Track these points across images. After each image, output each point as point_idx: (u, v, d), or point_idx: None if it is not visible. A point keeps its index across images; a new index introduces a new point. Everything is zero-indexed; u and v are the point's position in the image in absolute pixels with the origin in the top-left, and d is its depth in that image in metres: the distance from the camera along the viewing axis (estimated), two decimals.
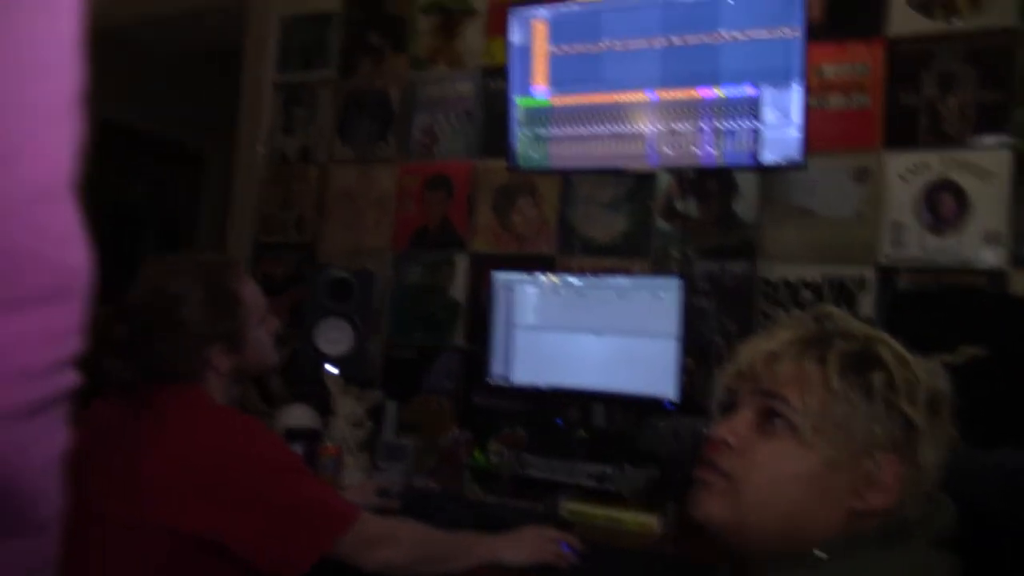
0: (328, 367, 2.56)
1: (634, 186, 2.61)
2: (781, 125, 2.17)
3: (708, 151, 2.26)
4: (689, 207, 2.52)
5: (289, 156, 3.26)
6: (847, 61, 2.37)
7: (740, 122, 2.21)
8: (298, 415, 2.40)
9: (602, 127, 2.38)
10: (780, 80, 2.16)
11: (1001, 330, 1.86)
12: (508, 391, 2.46)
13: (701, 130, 2.26)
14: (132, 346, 1.54)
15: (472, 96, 2.92)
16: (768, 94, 2.18)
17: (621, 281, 2.32)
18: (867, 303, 2.29)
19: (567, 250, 2.70)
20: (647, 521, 2.02)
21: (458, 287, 2.86)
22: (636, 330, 2.25)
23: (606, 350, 2.29)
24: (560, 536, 1.78)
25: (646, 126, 2.33)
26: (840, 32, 2.38)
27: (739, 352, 1.07)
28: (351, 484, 2.24)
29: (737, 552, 1.01)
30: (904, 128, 2.30)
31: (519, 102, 2.48)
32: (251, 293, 1.70)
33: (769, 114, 2.18)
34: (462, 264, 2.87)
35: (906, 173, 2.28)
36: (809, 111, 2.18)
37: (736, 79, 2.21)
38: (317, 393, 2.49)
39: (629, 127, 2.35)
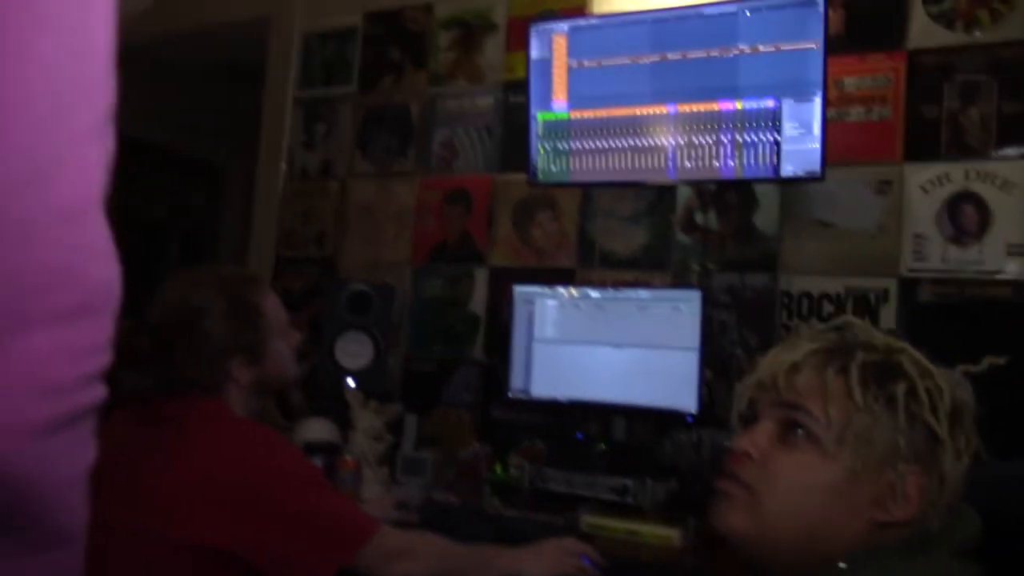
0: (348, 380, 2.57)
1: (654, 199, 2.61)
2: (801, 138, 2.16)
3: (728, 164, 2.26)
4: (709, 220, 2.51)
5: (310, 171, 3.27)
6: (868, 73, 2.36)
7: (760, 135, 2.21)
8: (317, 429, 2.40)
9: (622, 140, 2.38)
10: (800, 93, 2.16)
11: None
12: (528, 404, 2.46)
13: (721, 143, 2.26)
14: (154, 358, 1.55)
15: (492, 110, 2.92)
16: (788, 107, 2.17)
17: (641, 294, 2.31)
18: (889, 315, 2.27)
19: (587, 263, 2.69)
20: (667, 534, 2.01)
21: (478, 301, 2.87)
22: (656, 343, 2.24)
23: (626, 363, 2.28)
24: (581, 549, 1.77)
25: (666, 139, 2.33)
26: (861, 45, 2.37)
27: (760, 363, 1.06)
28: (370, 498, 2.24)
29: (758, 564, 1.01)
30: (925, 140, 2.29)
31: (539, 116, 2.49)
32: (272, 306, 1.71)
33: (789, 127, 2.17)
34: (481, 278, 2.87)
35: (927, 185, 2.27)
36: (830, 123, 2.17)
37: (756, 92, 2.21)
38: (336, 407, 2.49)
39: (649, 140, 2.35)
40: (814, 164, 2.15)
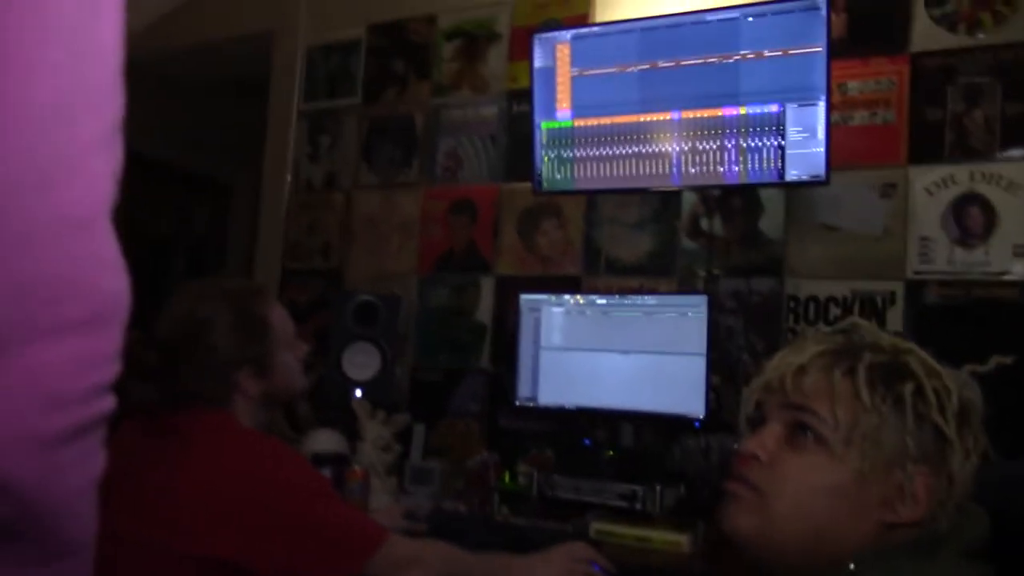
0: (355, 391, 2.57)
1: (659, 206, 2.61)
2: (806, 142, 2.16)
3: (733, 169, 2.26)
4: (714, 225, 2.51)
5: (315, 183, 3.28)
6: (871, 77, 2.37)
7: (764, 140, 2.21)
8: (325, 440, 2.40)
9: (626, 148, 2.38)
10: (804, 97, 2.16)
11: None
12: (535, 412, 2.46)
13: (725, 148, 2.26)
14: (161, 371, 1.55)
15: (496, 120, 2.93)
16: (792, 111, 2.18)
17: (647, 300, 2.31)
18: (896, 318, 2.27)
19: (592, 271, 2.69)
20: (677, 540, 2.01)
21: (484, 310, 2.87)
22: (663, 349, 2.24)
23: (633, 369, 2.28)
24: (590, 556, 1.77)
25: (670, 146, 2.33)
26: (864, 48, 2.38)
27: (767, 366, 1.06)
28: (379, 508, 2.24)
29: (766, 566, 1.00)
30: (930, 142, 2.29)
31: (543, 125, 2.49)
32: (279, 318, 1.72)
33: (793, 131, 2.17)
34: (487, 287, 2.87)
35: (932, 187, 2.27)
36: (834, 127, 2.17)
37: (760, 97, 2.21)
38: (344, 418, 2.49)
39: (653, 147, 2.35)
40: (819, 168, 2.15)
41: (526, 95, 2.59)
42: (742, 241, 2.48)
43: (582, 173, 2.45)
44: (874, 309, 2.29)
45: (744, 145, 2.23)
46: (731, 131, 2.24)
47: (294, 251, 3.29)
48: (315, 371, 2.45)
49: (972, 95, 2.25)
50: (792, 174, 2.18)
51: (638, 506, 2.13)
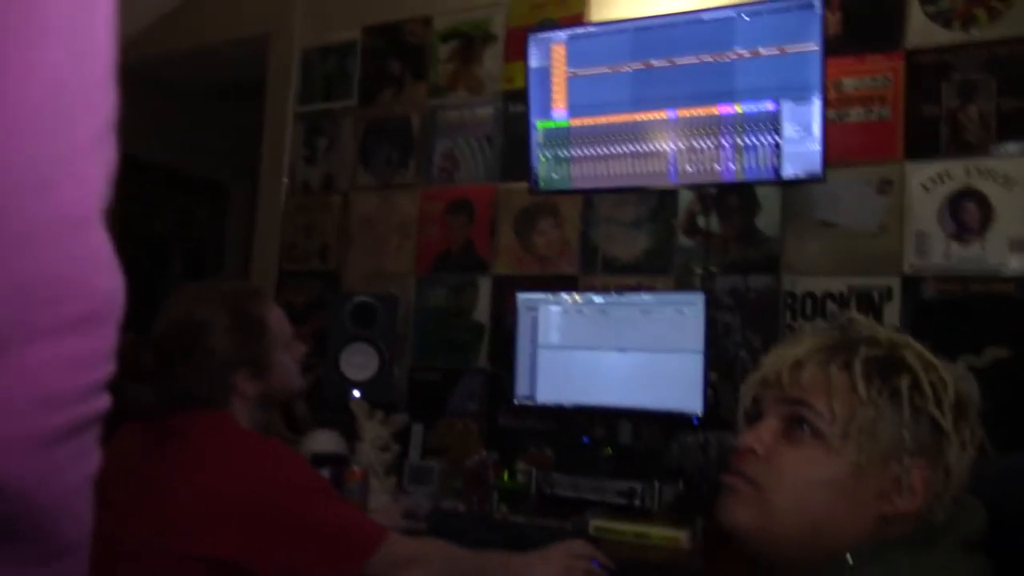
0: (353, 392, 2.57)
1: (656, 204, 2.61)
2: (802, 139, 2.17)
3: (729, 167, 2.26)
4: (711, 223, 2.52)
5: (312, 185, 3.29)
6: (867, 74, 2.37)
7: (760, 137, 2.21)
8: (324, 440, 2.40)
9: (622, 147, 2.39)
10: (800, 95, 2.16)
11: None
12: (534, 411, 2.46)
13: (722, 146, 2.26)
14: (159, 373, 1.56)
15: (492, 120, 2.93)
16: (788, 109, 2.18)
17: (645, 298, 2.32)
18: (893, 313, 2.27)
19: (590, 269, 2.70)
20: (675, 536, 2.01)
21: (481, 309, 2.87)
22: (661, 346, 2.24)
23: (631, 367, 2.28)
24: (589, 552, 1.77)
25: (666, 144, 2.33)
26: (859, 45, 2.38)
27: (764, 361, 1.06)
28: (378, 508, 2.24)
29: (764, 559, 1.01)
30: (926, 138, 2.29)
31: (539, 125, 2.50)
32: (276, 319, 1.72)
33: (789, 129, 2.18)
34: (485, 286, 2.87)
35: (929, 183, 2.27)
36: (830, 124, 2.18)
37: (756, 95, 2.21)
38: (342, 418, 2.49)
39: (649, 146, 2.35)
40: (815, 165, 2.15)
41: (522, 95, 2.59)
42: (739, 238, 2.48)
43: (579, 172, 2.46)
44: (871, 304, 2.30)
45: (740, 143, 2.24)
46: (727, 129, 2.25)
47: (291, 253, 3.29)
48: (313, 372, 2.45)
49: (967, 91, 2.26)
50: (788, 171, 2.19)
51: (637, 503, 2.13)
